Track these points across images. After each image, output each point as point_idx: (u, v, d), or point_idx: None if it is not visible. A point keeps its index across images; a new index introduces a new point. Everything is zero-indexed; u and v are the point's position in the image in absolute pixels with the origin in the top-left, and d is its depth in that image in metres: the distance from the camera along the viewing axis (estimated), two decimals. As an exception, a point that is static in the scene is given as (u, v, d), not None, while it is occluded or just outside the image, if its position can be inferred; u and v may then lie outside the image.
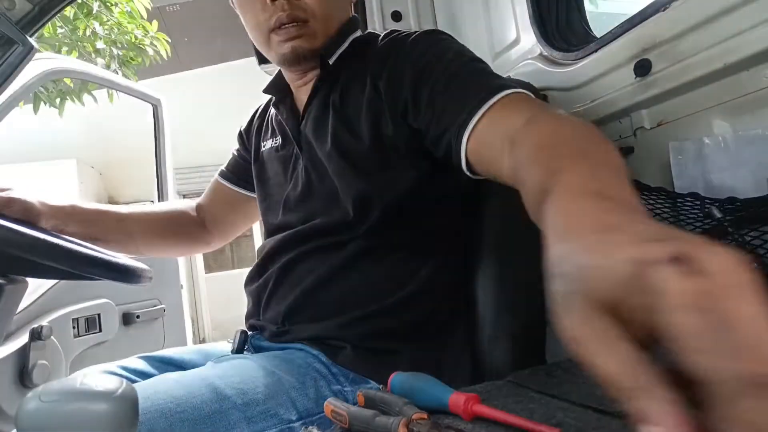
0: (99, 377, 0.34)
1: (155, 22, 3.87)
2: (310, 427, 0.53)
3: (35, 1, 1.06)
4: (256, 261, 0.88)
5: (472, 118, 0.62)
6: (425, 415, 0.47)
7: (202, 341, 5.45)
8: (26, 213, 0.80)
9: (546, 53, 1.09)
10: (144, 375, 0.78)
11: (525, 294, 0.76)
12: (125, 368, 0.78)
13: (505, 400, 0.50)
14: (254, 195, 0.98)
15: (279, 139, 0.91)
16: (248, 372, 0.68)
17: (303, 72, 0.85)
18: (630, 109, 0.89)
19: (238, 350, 0.81)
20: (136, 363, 0.80)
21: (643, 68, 0.83)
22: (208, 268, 5.85)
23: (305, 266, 0.78)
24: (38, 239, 0.62)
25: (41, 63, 1.39)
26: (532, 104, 0.61)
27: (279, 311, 0.79)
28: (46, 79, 1.35)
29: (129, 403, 0.31)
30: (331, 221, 0.77)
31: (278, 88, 0.91)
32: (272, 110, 0.95)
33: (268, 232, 0.88)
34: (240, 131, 1.04)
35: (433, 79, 0.69)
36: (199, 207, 1.09)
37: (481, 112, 0.61)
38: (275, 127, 0.93)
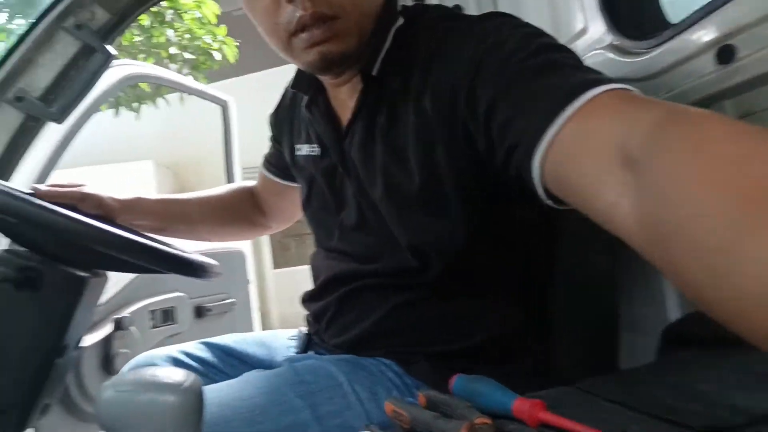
0: (168, 370, 0.35)
1: (223, 27, 4.04)
2: (372, 425, 0.53)
3: (113, 11, 1.13)
4: (314, 280, 0.84)
5: (548, 127, 0.45)
6: (488, 420, 0.46)
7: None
8: (100, 208, 0.84)
9: (616, 42, 1.03)
10: (204, 362, 0.81)
11: (596, 298, 0.72)
12: (187, 354, 0.82)
13: (574, 409, 0.48)
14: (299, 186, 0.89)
15: (317, 148, 0.78)
16: (323, 381, 0.67)
17: (338, 75, 0.71)
18: (712, 99, 0.82)
19: (302, 351, 0.82)
20: (198, 349, 0.83)
21: (726, 55, 0.77)
22: (276, 264, 6.03)
23: (366, 300, 0.74)
24: (119, 236, 0.65)
25: (119, 69, 1.48)
26: (650, 104, 0.41)
27: (344, 340, 0.76)
28: (124, 84, 1.44)
29: (195, 395, 0.32)
30: (390, 266, 0.71)
31: (308, 86, 0.76)
32: (303, 108, 0.81)
33: (324, 249, 0.83)
34: (270, 119, 0.95)
35: (490, 83, 0.54)
36: (255, 192, 1.09)
37: (562, 118, 0.44)
38: (309, 133, 0.80)
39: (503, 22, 0.59)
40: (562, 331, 0.74)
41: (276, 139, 0.95)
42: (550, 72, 0.50)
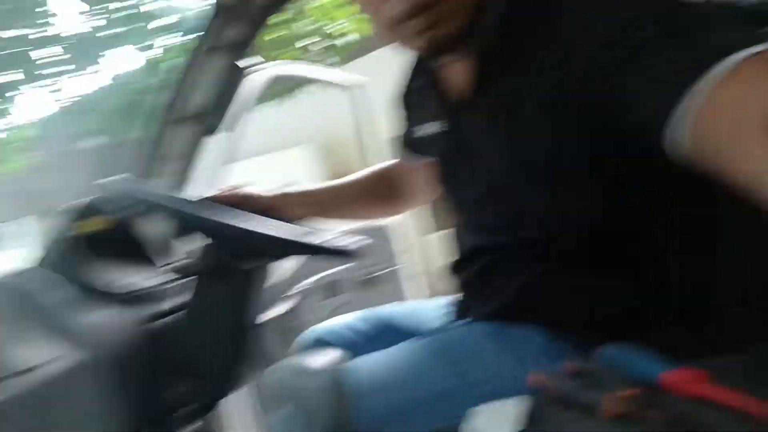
0: (321, 355, 0.40)
1: (348, 9, 4.12)
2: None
3: (248, 22, 1.25)
4: (454, 252, 0.86)
5: (685, 93, 0.43)
6: (637, 392, 0.43)
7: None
8: (256, 205, 0.93)
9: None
10: (361, 334, 0.89)
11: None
12: (348, 326, 0.90)
13: (741, 381, 0.42)
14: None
15: (439, 125, 0.79)
16: (472, 349, 0.70)
17: (451, 56, 0.70)
18: None
19: (452, 320, 0.85)
20: (358, 321, 0.91)
21: None
22: (440, 227, 6.20)
23: (505, 271, 0.74)
24: (274, 238, 0.73)
25: (260, 74, 1.62)
26: None
27: (490, 309, 0.76)
28: (266, 85, 1.58)
29: (336, 380, 0.36)
30: (525, 237, 0.71)
31: (425, 64, 0.79)
32: (422, 84, 0.83)
33: (460, 222, 0.84)
34: (395, 100, 0.98)
35: (626, 51, 0.51)
36: (393, 172, 1.11)
37: (706, 80, 0.42)
38: (430, 109, 0.81)
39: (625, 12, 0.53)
40: (725, 296, 0.65)
41: (403, 118, 0.97)
42: (687, 37, 0.46)
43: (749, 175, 0.38)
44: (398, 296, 1.88)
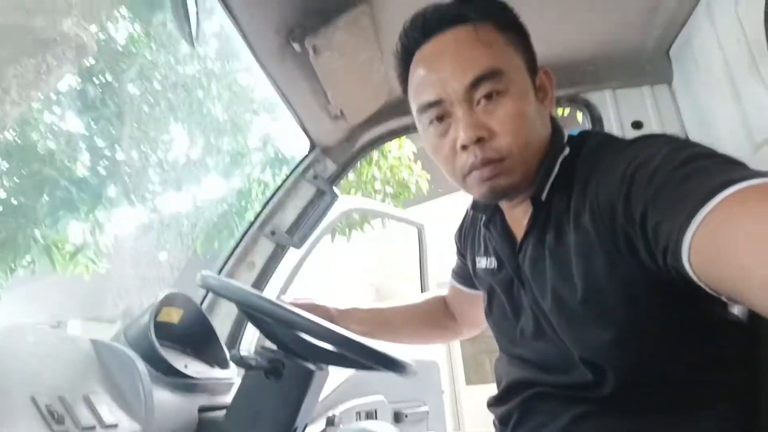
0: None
1: (419, 162, 4.61)
2: None
3: (339, 162, 1.48)
4: (497, 384, 0.89)
5: (689, 224, 0.47)
6: None
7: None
8: (325, 315, 1.04)
9: (821, 139, 0.96)
10: None
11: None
12: None
13: None
14: None
15: (494, 261, 0.87)
16: None
17: (509, 200, 0.80)
18: None
19: None
20: None
21: None
22: (469, 381, 5.94)
23: (547, 409, 0.76)
24: (342, 335, 0.79)
25: (339, 205, 1.83)
26: None
27: None
28: (343, 216, 1.78)
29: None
30: (567, 377, 0.73)
31: (487, 206, 0.86)
32: (482, 225, 0.90)
33: (506, 355, 0.88)
34: (455, 235, 1.07)
35: (642, 195, 0.57)
36: (447, 300, 1.22)
37: (703, 214, 0.47)
38: (488, 247, 0.89)
39: (653, 142, 0.63)
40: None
41: (460, 253, 1.08)
42: (694, 177, 0.52)
43: (753, 285, 0.41)
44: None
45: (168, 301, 1.11)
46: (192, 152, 6.84)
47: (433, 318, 1.20)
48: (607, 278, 0.65)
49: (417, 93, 0.76)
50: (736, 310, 0.73)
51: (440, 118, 0.74)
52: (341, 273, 6.31)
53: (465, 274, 1.07)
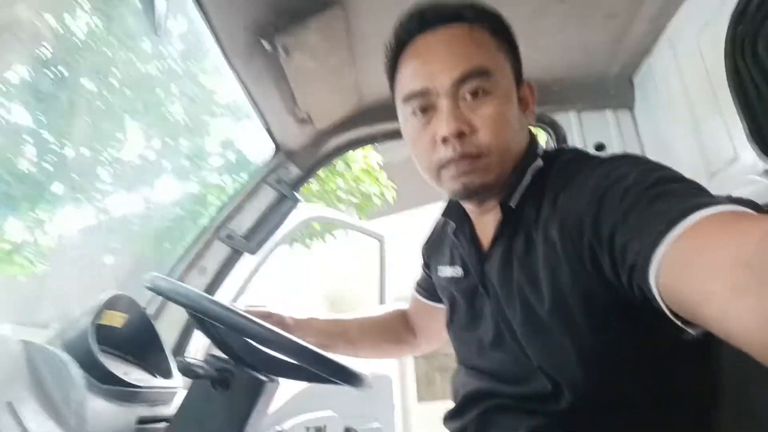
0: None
1: (383, 173, 4.61)
2: None
3: (303, 167, 1.44)
4: (453, 398, 0.87)
5: (657, 247, 0.48)
6: None
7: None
8: (280, 324, 1.00)
9: (773, 169, 1.00)
10: None
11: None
12: None
13: None
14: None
15: (459, 270, 0.86)
16: None
17: (479, 203, 0.80)
18: None
19: None
20: None
21: None
22: (421, 397, 5.92)
23: (503, 422, 0.76)
24: (301, 347, 0.75)
25: (300, 212, 1.79)
26: (761, 219, 0.43)
27: None
28: (304, 223, 1.74)
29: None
30: (525, 389, 0.73)
31: (456, 215, 0.86)
32: (450, 234, 0.90)
33: (464, 366, 0.87)
34: (422, 248, 1.06)
35: (611, 212, 0.57)
36: (407, 314, 1.19)
37: (671, 237, 0.47)
38: (454, 256, 0.89)
39: (626, 161, 0.64)
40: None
41: (426, 264, 1.06)
42: (664, 199, 0.52)
43: (712, 311, 0.41)
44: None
45: (111, 303, 1.05)
46: (147, 152, 6.62)
47: (392, 331, 1.17)
48: (570, 291, 0.66)
49: (404, 82, 0.76)
50: (694, 331, 0.74)
51: (424, 110, 0.75)
52: (294, 282, 6.19)
53: (428, 287, 1.07)
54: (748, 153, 1.06)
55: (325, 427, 1.65)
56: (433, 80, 0.72)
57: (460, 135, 0.71)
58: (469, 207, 0.84)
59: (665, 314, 0.49)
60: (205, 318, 0.77)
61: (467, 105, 0.72)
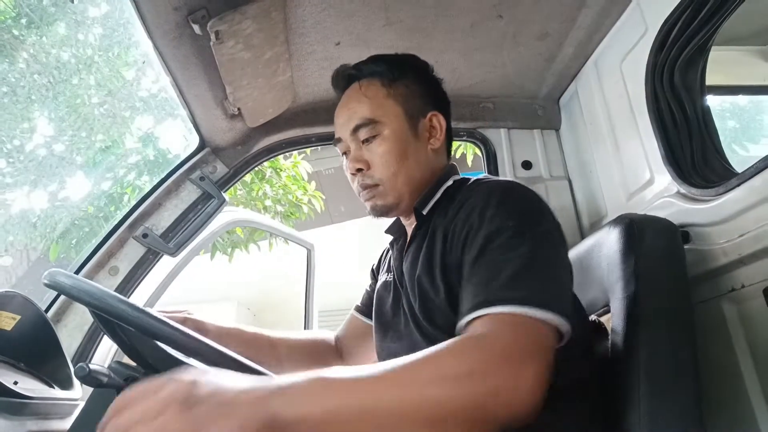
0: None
1: (313, 183, 4.53)
2: None
3: (231, 166, 1.37)
4: None
5: (476, 310, 0.65)
6: None
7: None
8: (198, 329, 0.92)
9: (683, 191, 1.07)
10: None
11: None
12: None
13: None
14: None
15: (390, 276, 0.98)
16: None
17: (404, 217, 0.97)
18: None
19: None
20: None
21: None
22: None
23: None
24: (223, 353, 0.71)
25: (226, 215, 1.70)
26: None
27: None
28: (228, 227, 1.65)
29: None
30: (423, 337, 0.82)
31: (396, 230, 1.02)
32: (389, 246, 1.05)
33: (378, 349, 0.97)
34: (372, 268, 1.16)
35: (470, 246, 0.74)
36: (337, 338, 1.19)
37: (470, 317, 0.65)
38: (390, 263, 1.01)
39: (501, 200, 0.77)
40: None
41: (372, 283, 1.12)
42: (494, 265, 0.69)
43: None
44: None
45: (0, 303, 0.92)
46: (55, 145, 6.10)
47: (319, 352, 1.16)
48: (458, 285, 0.77)
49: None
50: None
51: (344, 152, 0.96)
52: (212, 292, 5.91)
53: (368, 303, 1.11)
54: (663, 176, 1.13)
55: None
56: (341, 132, 0.94)
57: (359, 171, 0.91)
58: (403, 221, 0.99)
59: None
60: (111, 318, 0.70)
61: (365, 147, 0.91)
